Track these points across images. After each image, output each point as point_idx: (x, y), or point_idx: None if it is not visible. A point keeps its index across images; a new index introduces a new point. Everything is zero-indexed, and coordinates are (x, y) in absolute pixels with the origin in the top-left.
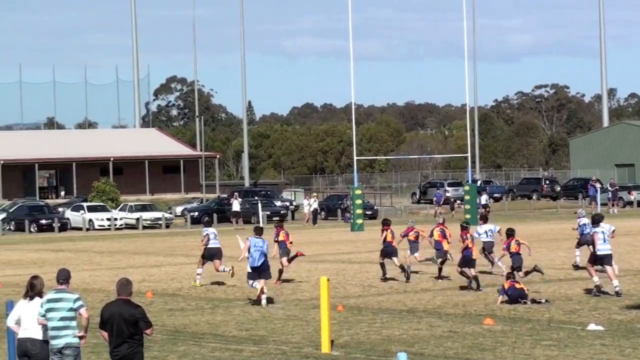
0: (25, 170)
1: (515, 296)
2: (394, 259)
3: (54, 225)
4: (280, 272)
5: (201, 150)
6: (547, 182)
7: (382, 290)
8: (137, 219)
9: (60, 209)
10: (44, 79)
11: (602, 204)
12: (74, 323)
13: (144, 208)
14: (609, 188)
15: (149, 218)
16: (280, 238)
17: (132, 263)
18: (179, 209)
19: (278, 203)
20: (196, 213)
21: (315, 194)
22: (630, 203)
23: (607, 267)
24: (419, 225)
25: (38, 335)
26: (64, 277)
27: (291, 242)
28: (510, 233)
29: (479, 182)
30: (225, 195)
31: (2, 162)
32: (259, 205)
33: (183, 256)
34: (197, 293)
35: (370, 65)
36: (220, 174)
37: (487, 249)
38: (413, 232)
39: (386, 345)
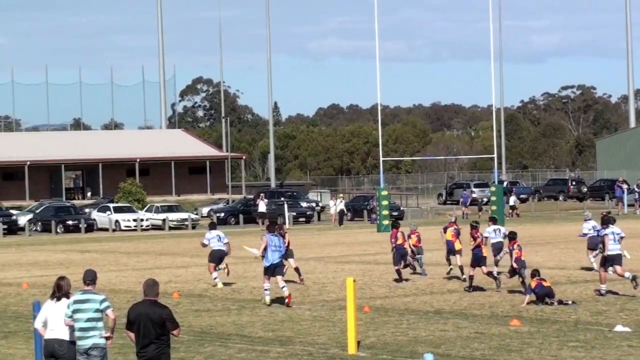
0: (51, 171)
1: (542, 294)
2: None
3: (80, 226)
4: (297, 270)
5: (227, 151)
6: (574, 183)
7: (409, 292)
8: (164, 220)
9: (86, 210)
10: (70, 80)
11: (628, 205)
12: (100, 324)
13: (170, 209)
14: (636, 189)
15: (175, 219)
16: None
17: (159, 264)
18: (205, 210)
19: (304, 204)
20: (222, 214)
21: (341, 195)
22: None
23: (617, 267)
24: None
25: (65, 336)
26: (90, 278)
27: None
28: (512, 236)
29: (505, 183)
30: (252, 196)
31: (28, 163)
32: (285, 206)
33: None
34: (224, 294)
35: (396, 66)
36: (247, 174)
37: (494, 250)
38: (415, 235)
39: (413, 347)
